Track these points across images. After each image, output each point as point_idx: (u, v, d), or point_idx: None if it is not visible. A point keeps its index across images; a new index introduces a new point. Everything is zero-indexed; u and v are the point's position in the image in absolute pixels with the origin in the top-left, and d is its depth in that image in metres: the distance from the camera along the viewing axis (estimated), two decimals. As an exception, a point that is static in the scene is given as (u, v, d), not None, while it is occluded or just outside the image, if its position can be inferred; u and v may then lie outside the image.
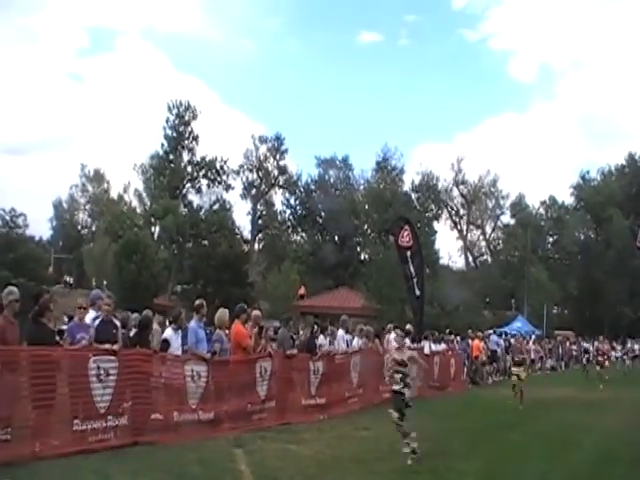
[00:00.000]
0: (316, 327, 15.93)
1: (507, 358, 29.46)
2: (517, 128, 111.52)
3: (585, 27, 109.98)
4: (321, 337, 16.06)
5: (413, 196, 71.65)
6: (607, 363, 28.88)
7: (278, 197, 73.77)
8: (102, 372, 9.91)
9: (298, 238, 74.72)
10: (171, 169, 65.36)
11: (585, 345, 35.52)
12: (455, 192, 75.99)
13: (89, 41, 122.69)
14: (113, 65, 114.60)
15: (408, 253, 22.53)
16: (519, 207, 75.24)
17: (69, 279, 71.95)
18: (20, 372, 9.06)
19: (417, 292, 22.30)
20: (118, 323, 11.38)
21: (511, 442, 12.20)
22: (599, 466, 9.91)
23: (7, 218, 56.64)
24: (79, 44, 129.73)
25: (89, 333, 10.42)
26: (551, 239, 75.54)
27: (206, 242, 56.95)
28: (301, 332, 16.36)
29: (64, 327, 13.63)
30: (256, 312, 14.46)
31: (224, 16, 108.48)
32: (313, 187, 72.07)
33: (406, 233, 22.76)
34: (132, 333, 12.19)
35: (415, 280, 22.30)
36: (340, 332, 17.19)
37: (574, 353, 38.32)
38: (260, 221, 72.55)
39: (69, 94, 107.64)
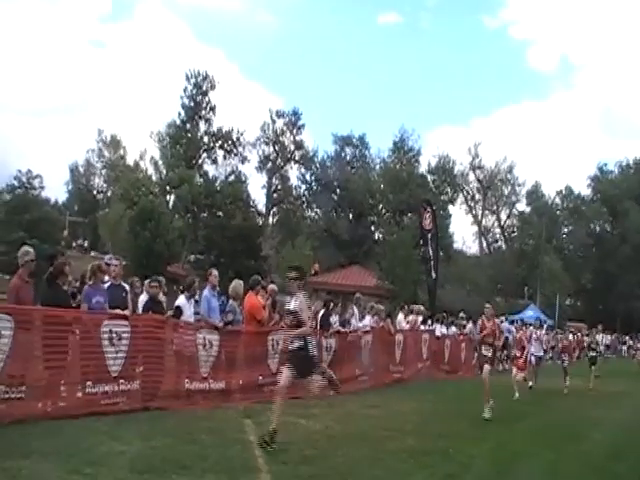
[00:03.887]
0: (332, 305, 15.84)
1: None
2: (535, 116, 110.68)
3: (605, 18, 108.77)
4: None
5: (429, 178, 71.37)
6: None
7: (293, 172, 73.65)
8: (114, 336, 9.95)
9: (312, 214, 74.69)
10: (188, 138, 65.20)
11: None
12: (471, 177, 75.61)
13: (111, 7, 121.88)
14: (134, 32, 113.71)
15: (429, 235, 22.64)
16: (535, 195, 74.89)
17: (84, 243, 72.20)
18: (33, 332, 9.05)
19: (433, 274, 22.40)
20: (127, 287, 11.36)
21: (520, 429, 12.16)
22: (608, 459, 9.80)
23: (23, 179, 56.78)
24: (101, 10, 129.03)
25: (105, 297, 10.40)
26: (566, 229, 75.23)
27: (221, 213, 56.93)
28: (313, 307, 16.25)
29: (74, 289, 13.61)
30: (272, 286, 14.40)
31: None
32: (329, 163, 71.83)
33: (428, 215, 22.88)
34: (142, 298, 12.12)
35: (432, 262, 22.39)
36: (354, 310, 17.17)
37: (585, 345, 37.97)
38: (275, 195, 72.38)
39: (90, 59, 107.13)
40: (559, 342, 22.37)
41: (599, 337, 27.71)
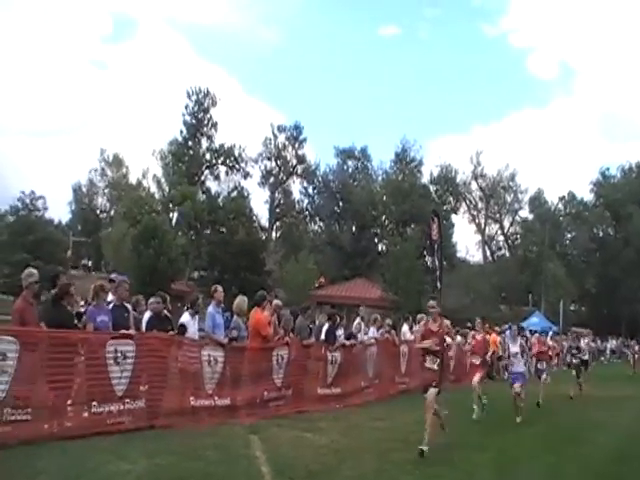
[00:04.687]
0: (338, 319, 15.89)
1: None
2: (537, 123, 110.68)
3: (604, 24, 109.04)
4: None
5: (431, 188, 71.42)
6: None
7: (296, 186, 73.81)
8: (119, 355, 9.96)
9: (315, 227, 74.76)
10: (190, 155, 65.45)
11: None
12: (474, 185, 75.54)
13: (112, 28, 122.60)
14: (135, 51, 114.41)
15: (435, 246, 22.81)
16: (537, 202, 74.77)
17: (88, 262, 72.27)
18: (38, 353, 9.10)
19: (439, 285, 22.50)
20: (130, 307, 11.41)
21: (525, 436, 12.19)
22: (609, 462, 9.91)
23: (27, 201, 57.01)
24: (102, 31, 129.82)
25: (109, 316, 10.45)
26: (569, 235, 75.10)
27: (224, 229, 57.04)
28: (317, 322, 16.34)
29: (81, 309, 13.66)
30: (276, 301, 14.44)
31: (246, 4, 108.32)
32: (331, 176, 71.94)
33: (435, 226, 23.02)
34: (146, 316, 12.17)
35: (438, 273, 22.51)
36: (360, 323, 17.22)
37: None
38: (278, 210, 72.49)
39: (91, 79, 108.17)
40: (534, 347, 19.62)
41: (583, 343, 23.30)
